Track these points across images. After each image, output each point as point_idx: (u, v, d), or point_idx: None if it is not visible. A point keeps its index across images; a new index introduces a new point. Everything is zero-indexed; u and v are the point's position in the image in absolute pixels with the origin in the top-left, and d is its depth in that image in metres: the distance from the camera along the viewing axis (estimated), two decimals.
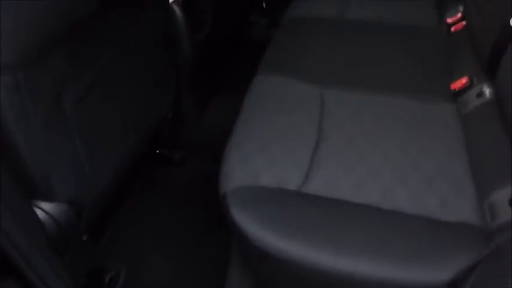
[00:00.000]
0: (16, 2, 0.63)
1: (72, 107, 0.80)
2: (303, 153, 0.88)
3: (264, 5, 1.77)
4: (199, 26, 1.28)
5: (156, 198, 1.23)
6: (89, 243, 1.00)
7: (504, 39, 0.92)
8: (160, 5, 1.09)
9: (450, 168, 0.84)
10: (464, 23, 1.19)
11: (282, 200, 0.81)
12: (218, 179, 0.88)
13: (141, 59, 1.02)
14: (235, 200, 0.81)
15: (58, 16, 0.71)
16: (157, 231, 1.18)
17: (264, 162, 0.86)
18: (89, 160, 0.88)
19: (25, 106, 0.70)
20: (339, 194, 0.81)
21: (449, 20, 1.24)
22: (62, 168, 0.83)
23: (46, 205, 0.85)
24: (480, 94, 0.95)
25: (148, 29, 1.03)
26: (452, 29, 1.21)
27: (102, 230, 1.13)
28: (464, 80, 1.00)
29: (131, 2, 0.94)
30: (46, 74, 0.73)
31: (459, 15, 1.23)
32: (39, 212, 0.84)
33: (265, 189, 0.82)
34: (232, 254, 0.96)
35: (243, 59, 1.58)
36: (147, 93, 1.08)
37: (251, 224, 0.77)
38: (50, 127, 0.77)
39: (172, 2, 1.12)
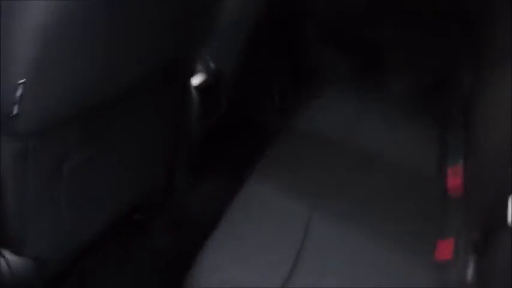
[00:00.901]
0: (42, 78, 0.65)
1: (70, 174, 0.81)
2: (275, 276, 0.89)
3: (275, 95, 1.83)
4: (212, 110, 1.32)
5: (121, 267, 1.21)
6: None
7: (499, 215, 0.93)
8: (180, 87, 1.12)
9: None
10: (462, 180, 1.21)
11: None
12: (188, 276, 0.88)
13: (145, 131, 1.04)
14: None
15: (85, 93, 0.73)
16: None
17: (234, 274, 0.87)
18: (69, 223, 0.88)
19: (26, 171, 0.72)
20: None
21: (449, 171, 1.26)
22: (41, 228, 0.83)
23: (11, 256, 0.85)
24: (462, 273, 0.94)
25: (160, 106, 1.05)
26: (451, 182, 1.24)
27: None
28: (449, 248, 1.01)
29: (155, 83, 0.97)
30: (55, 143, 0.75)
31: (459, 168, 1.26)
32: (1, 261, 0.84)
33: None
34: None
35: (246, 142, 1.61)
36: (143, 164, 1.09)
37: None
38: (43, 190, 0.78)
39: (191, 86, 1.17)
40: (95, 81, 0.72)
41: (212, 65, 1.29)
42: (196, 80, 1.21)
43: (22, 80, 0.60)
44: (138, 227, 1.31)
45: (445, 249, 1.03)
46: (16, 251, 0.84)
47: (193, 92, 1.19)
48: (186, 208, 1.38)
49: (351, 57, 1.75)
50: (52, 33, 0.58)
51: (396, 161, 1.30)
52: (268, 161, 1.22)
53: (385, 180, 1.22)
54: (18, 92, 0.60)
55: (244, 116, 1.63)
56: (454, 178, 1.25)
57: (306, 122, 1.43)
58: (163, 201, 1.29)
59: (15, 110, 0.62)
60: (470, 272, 0.93)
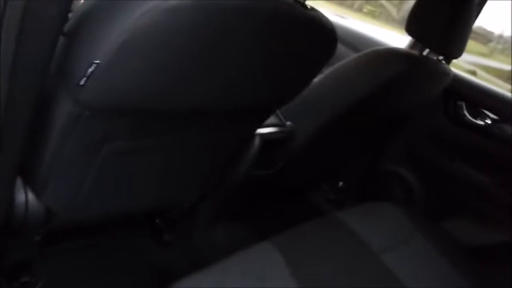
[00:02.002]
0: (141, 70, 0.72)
1: (108, 155, 0.88)
2: None
3: (340, 183, 1.82)
4: (267, 164, 1.35)
5: (117, 259, 1.27)
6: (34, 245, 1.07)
7: None
8: (245, 130, 1.16)
9: None
10: None
11: None
12: None
13: (194, 152, 1.07)
14: None
15: (147, 96, 0.78)
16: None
17: None
18: (88, 196, 0.95)
19: (71, 133, 0.79)
20: None
21: None
22: (63, 186, 0.91)
23: (32, 196, 0.94)
24: None
25: (219, 138, 1.08)
26: None
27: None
28: None
29: (223, 117, 1.02)
30: (105, 123, 0.82)
31: None
32: (21, 194, 0.93)
33: None
34: None
35: (282, 208, 1.61)
36: (179, 179, 1.14)
37: None
38: (77, 156, 0.86)
39: (256, 134, 1.21)
40: (161, 91, 0.78)
41: (288, 124, 1.33)
42: (264, 130, 1.25)
43: (97, 61, 0.68)
44: (154, 231, 1.37)
45: None
46: (37, 194, 0.93)
47: (257, 139, 1.23)
48: (198, 236, 1.41)
49: (430, 187, 1.70)
50: (136, 35, 0.66)
51: None
52: (293, 234, 1.21)
53: None
54: (91, 69, 0.69)
55: (294, 185, 1.63)
56: None
57: (351, 218, 1.39)
58: (183, 219, 1.33)
59: (82, 82, 0.70)
60: None
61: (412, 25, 1.28)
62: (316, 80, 1.32)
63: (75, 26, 0.72)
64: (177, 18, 0.67)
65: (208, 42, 0.73)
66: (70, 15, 0.74)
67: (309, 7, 0.86)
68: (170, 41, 0.69)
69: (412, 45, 1.67)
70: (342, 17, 2.40)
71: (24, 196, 0.93)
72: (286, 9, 0.80)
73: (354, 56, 1.32)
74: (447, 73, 1.44)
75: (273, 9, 0.78)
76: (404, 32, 1.33)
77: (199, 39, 0.72)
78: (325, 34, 0.90)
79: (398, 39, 2.01)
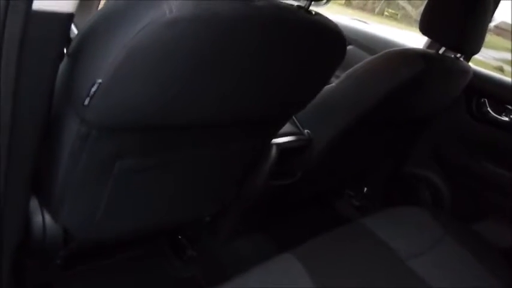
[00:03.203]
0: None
1: (120, 173, 0.89)
2: None
3: (365, 189, 1.78)
4: (286, 173, 1.33)
5: (140, 277, 1.26)
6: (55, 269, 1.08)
7: None
8: (261, 140, 1.15)
9: None
10: None
11: None
12: None
13: (209, 166, 1.06)
14: None
15: (151, 113, 0.77)
16: None
17: None
18: (104, 215, 0.95)
19: (82, 152, 0.80)
20: None
21: None
22: (78, 206, 0.92)
23: (49, 219, 0.95)
24: None
25: (233, 149, 1.07)
26: None
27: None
28: None
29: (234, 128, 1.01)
30: (114, 142, 0.82)
31: None
32: (38, 216, 0.94)
33: None
34: None
35: (304, 217, 1.58)
36: (196, 195, 1.13)
37: None
38: (90, 176, 0.86)
39: (273, 144, 1.19)
40: (164, 106, 0.77)
41: (306, 132, 1.31)
42: (281, 139, 1.23)
43: (99, 80, 0.68)
44: (176, 248, 1.36)
45: None
46: (53, 217, 0.94)
47: (274, 149, 1.21)
48: (221, 250, 1.39)
49: (458, 189, 1.64)
50: (136, 51, 0.66)
51: None
52: (315, 243, 1.18)
53: None
54: (94, 88, 0.69)
55: (315, 193, 1.60)
56: None
57: (377, 224, 1.35)
58: (205, 234, 1.32)
59: (86, 102, 0.71)
60: None
61: (425, 24, 1.25)
62: (332, 84, 1.30)
63: (78, 47, 0.73)
64: (176, 31, 0.67)
65: (210, 53, 0.73)
66: (73, 35, 0.75)
67: (313, 12, 0.85)
68: (170, 54, 0.69)
69: (429, 45, 1.63)
70: (365, 23, 2.37)
71: (41, 217, 0.94)
72: (288, 16, 0.79)
73: (368, 58, 1.30)
74: (467, 70, 1.39)
75: (274, 16, 0.77)
76: None
77: (200, 51, 0.71)
78: (331, 38, 0.89)
79: (418, 40, 1.96)
